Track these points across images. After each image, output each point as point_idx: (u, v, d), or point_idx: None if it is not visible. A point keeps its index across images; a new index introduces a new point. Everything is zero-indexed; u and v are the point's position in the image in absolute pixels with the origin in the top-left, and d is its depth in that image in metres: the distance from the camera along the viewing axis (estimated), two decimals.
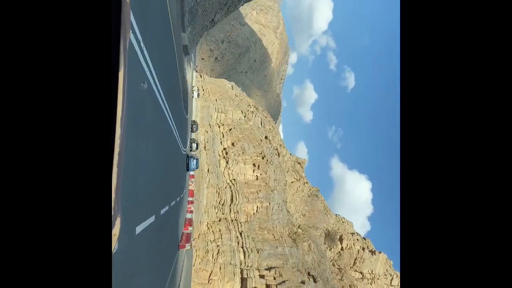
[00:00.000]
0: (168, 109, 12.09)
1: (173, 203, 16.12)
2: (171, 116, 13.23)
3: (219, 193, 42.14)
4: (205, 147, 45.04)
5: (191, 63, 45.07)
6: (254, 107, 57.81)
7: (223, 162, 44.94)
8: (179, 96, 20.02)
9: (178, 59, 17.60)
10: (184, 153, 24.25)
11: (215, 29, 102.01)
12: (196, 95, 42.74)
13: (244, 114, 54.00)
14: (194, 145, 37.05)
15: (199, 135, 45.48)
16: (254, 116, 54.93)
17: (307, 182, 59.38)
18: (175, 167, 18.49)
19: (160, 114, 10.50)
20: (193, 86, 44.80)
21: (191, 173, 34.91)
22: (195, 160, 30.83)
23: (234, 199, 42.68)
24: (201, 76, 62.55)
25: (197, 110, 48.79)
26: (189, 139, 34.89)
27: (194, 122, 41.37)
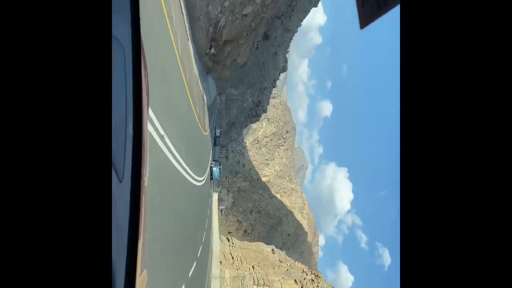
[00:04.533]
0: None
1: None
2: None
3: None
4: None
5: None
6: (313, 274, 37.66)
7: None
8: None
9: None
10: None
11: (242, 200, 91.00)
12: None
13: (300, 285, 33.56)
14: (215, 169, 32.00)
15: None
16: (316, 286, 34.27)
17: None
18: None
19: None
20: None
21: None
22: (218, 168, 29.46)
23: None
24: (229, 240, 45.15)
25: (223, 283, 29.76)
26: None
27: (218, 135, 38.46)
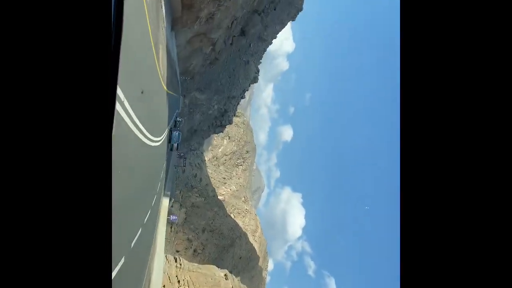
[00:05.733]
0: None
1: None
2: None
3: None
4: None
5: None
6: None
7: None
8: None
9: None
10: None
11: (195, 216, 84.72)
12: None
13: None
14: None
15: None
16: None
17: None
18: None
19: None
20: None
21: None
22: (178, 133, 27.39)
23: None
24: (176, 260, 39.62)
25: None
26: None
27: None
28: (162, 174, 20.78)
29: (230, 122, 66.93)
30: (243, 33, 35.66)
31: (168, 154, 30.91)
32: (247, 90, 62.23)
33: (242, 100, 77.43)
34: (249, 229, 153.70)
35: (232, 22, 27.53)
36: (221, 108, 55.22)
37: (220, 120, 59.07)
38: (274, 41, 67.33)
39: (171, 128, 26.83)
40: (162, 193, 25.91)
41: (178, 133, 27.68)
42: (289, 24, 69.83)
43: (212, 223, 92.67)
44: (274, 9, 40.12)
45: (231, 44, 33.35)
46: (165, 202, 28.71)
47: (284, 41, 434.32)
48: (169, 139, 25.63)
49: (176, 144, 28.02)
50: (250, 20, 34.94)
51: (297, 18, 66.32)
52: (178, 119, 34.74)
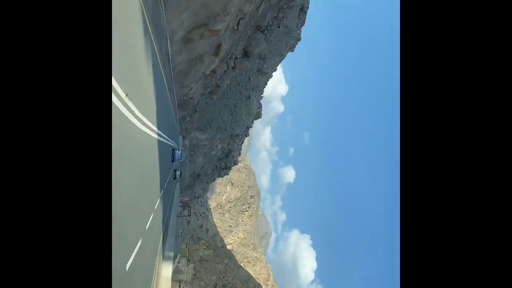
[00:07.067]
0: None
1: None
2: None
3: None
4: None
5: None
6: None
7: None
8: None
9: None
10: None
11: (204, 271, 77.08)
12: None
13: None
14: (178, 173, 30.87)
15: None
16: None
17: None
18: None
19: None
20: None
21: None
22: (180, 151, 27.99)
23: None
24: None
25: None
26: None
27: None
28: (159, 198, 15.92)
29: (236, 163, 62.42)
30: (246, 54, 33.08)
31: (170, 183, 26.40)
32: (250, 127, 58.57)
33: (242, 145, 73.53)
34: (261, 278, 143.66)
35: (239, 21, 24.16)
36: (224, 148, 51.12)
37: (225, 162, 54.72)
38: (269, 82, 65.14)
39: (173, 148, 25.85)
40: (160, 255, 17.77)
41: (181, 152, 27.45)
42: (280, 68, 68.59)
43: (224, 277, 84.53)
44: (278, 26, 38.00)
45: (233, 67, 30.47)
46: (167, 270, 19.05)
47: (277, 85, 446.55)
48: (172, 158, 24.55)
49: (179, 172, 26.77)
50: (253, 38, 32.50)
51: (287, 60, 64.98)
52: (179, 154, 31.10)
